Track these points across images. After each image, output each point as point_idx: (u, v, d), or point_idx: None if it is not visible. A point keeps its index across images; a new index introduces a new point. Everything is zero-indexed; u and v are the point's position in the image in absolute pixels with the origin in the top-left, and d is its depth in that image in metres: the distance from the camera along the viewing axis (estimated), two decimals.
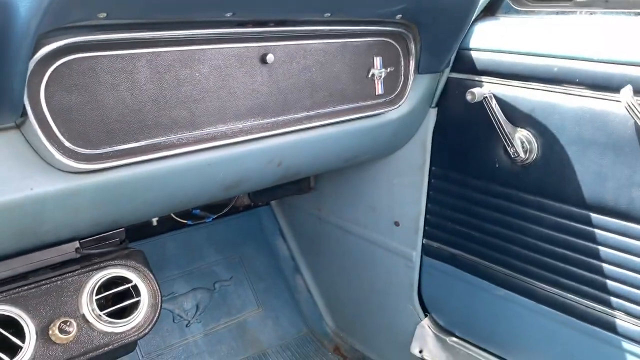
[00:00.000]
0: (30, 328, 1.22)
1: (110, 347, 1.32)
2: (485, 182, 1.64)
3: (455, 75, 1.67)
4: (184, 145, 1.20)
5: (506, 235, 1.62)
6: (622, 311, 1.42)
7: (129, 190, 1.21)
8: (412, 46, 1.56)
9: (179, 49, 1.16)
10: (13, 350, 1.20)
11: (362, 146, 1.70)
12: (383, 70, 1.53)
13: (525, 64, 1.49)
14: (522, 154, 1.50)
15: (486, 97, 1.52)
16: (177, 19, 1.12)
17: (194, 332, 2.24)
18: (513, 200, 1.58)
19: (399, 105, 1.61)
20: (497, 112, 1.51)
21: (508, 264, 1.64)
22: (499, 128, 1.51)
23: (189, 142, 1.21)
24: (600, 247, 1.43)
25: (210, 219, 2.21)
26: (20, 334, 1.21)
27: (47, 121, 1.01)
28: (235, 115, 1.28)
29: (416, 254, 1.92)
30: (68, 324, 1.24)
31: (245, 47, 1.26)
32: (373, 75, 1.52)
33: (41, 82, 0.99)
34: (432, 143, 1.78)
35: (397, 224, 1.96)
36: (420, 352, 1.98)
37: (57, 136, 1.03)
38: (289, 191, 2.24)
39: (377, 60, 1.52)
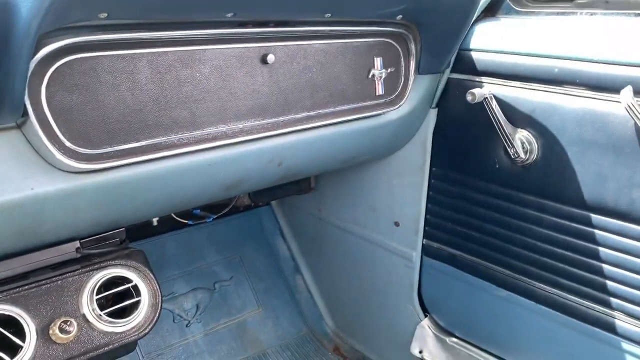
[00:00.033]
0: (30, 328, 1.22)
1: (111, 346, 1.32)
2: (485, 183, 1.64)
3: (455, 75, 1.67)
4: (185, 145, 1.20)
5: (506, 236, 1.62)
6: (622, 312, 1.42)
7: (129, 190, 1.21)
8: (413, 47, 1.56)
9: (180, 49, 1.16)
10: (13, 349, 1.20)
11: (363, 146, 1.70)
12: (383, 70, 1.53)
13: (526, 65, 1.49)
14: (522, 155, 1.50)
15: (486, 97, 1.52)
16: (177, 19, 1.12)
17: (194, 332, 2.24)
18: (513, 201, 1.58)
19: (399, 106, 1.61)
20: (497, 113, 1.51)
21: (508, 264, 1.64)
22: (499, 129, 1.51)
23: (190, 142, 1.21)
24: (600, 248, 1.43)
25: (211, 219, 2.21)
26: (21, 334, 1.21)
27: (48, 121, 1.01)
28: (236, 115, 1.28)
29: (416, 254, 1.92)
30: (68, 323, 1.24)
31: (246, 47, 1.26)
32: (373, 75, 1.52)
33: (42, 82, 0.99)
34: (433, 143, 1.78)
35: (397, 224, 1.96)
36: (420, 352, 1.98)
37: (57, 136, 1.03)
38: (289, 191, 2.24)
39: (378, 61, 1.52)
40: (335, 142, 1.57)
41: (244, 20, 1.22)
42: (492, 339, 1.79)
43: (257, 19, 1.24)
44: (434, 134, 1.76)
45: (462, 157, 1.70)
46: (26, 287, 1.24)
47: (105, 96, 1.07)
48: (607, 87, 1.33)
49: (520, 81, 1.51)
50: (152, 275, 1.40)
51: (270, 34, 1.29)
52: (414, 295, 1.99)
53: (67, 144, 1.04)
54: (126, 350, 1.43)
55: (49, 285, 1.27)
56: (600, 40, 1.39)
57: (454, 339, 1.90)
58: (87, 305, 1.30)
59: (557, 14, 1.57)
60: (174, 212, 1.89)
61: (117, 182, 1.16)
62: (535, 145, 1.50)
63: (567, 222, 1.48)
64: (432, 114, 1.75)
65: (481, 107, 1.53)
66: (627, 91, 1.26)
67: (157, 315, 1.39)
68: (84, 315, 1.30)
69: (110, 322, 1.33)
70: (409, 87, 1.60)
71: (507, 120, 1.52)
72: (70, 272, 1.31)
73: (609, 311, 1.44)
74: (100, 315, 1.31)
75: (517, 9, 1.65)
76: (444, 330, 1.94)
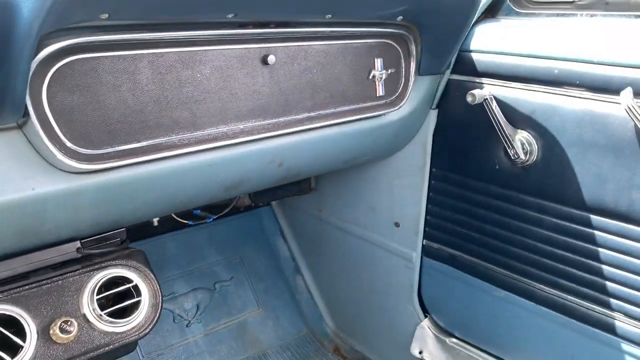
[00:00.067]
0: (31, 327, 1.22)
1: (111, 346, 1.32)
2: (485, 184, 1.65)
3: (455, 77, 1.67)
4: (185, 145, 1.20)
5: (506, 237, 1.63)
6: (621, 313, 1.42)
7: (130, 190, 1.21)
8: (413, 48, 1.57)
9: (181, 49, 1.16)
10: (14, 349, 1.20)
11: (363, 147, 1.70)
12: (384, 71, 1.53)
13: (526, 66, 1.49)
14: (522, 156, 1.50)
15: (487, 98, 1.52)
16: (178, 20, 1.13)
17: (194, 332, 2.24)
18: (513, 202, 1.58)
19: (400, 107, 1.61)
20: (497, 114, 1.51)
21: (508, 265, 1.64)
22: (499, 130, 1.51)
23: (190, 143, 1.21)
24: (600, 249, 1.43)
25: (211, 219, 2.21)
26: (21, 334, 1.21)
27: (49, 121, 1.01)
28: (237, 116, 1.28)
29: (416, 255, 1.92)
30: (69, 323, 1.25)
31: (247, 48, 1.26)
32: (374, 76, 1.52)
33: (43, 82, 1.00)
34: (433, 144, 1.78)
35: (397, 224, 1.96)
36: (420, 352, 1.98)
37: (58, 136, 1.03)
38: (289, 192, 2.24)
39: (378, 62, 1.52)
40: (335, 143, 1.58)
41: (245, 21, 1.22)
42: (492, 339, 1.79)
43: (257, 19, 1.25)
44: (434, 135, 1.77)
45: (462, 158, 1.70)
46: (27, 287, 1.25)
47: (106, 97, 1.07)
48: (607, 88, 1.33)
49: (521, 82, 1.51)
50: (152, 276, 1.40)
51: (271, 35, 1.29)
52: (414, 296, 1.99)
53: (68, 144, 1.04)
54: (126, 350, 1.43)
55: (49, 285, 1.27)
56: (601, 42, 1.39)
57: (454, 340, 1.90)
58: (88, 305, 1.30)
59: (557, 15, 1.58)
60: (174, 212, 1.89)
61: (118, 183, 1.17)
62: (535, 147, 1.50)
63: (566, 223, 1.48)
64: (433, 115, 1.75)
65: (481, 108, 1.53)
66: (627, 93, 1.27)
67: (157, 315, 1.39)
68: (84, 315, 1.30)
69: (111, 322, 1.33)
70: (410, 88, 1.60)
71: (507, 121, 1.52)
72: (71, 272, 1.31)
73: (609, 312, 1.44)
74: (100, 315, 1.31)
75: (517, 10, 1.65)
76: (443, 330, 1.94)
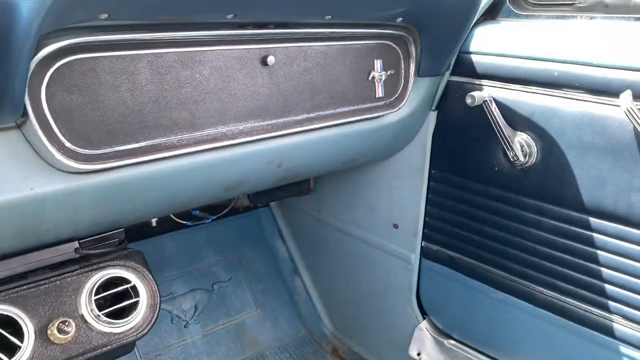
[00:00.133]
0: (28, 328, 1.22)
1: (109, 347, 1.32)
2: (484, 186, 1.65)
3: (455, 78, 1.67)
4: (184, 146, 1.20)
5: (505, 239, 1.63)
6: (620, 315, 1.42)
7: (129, 190, 1.21)
8: (413, 49, 1.57)
9: (180, 50, 1.16)
10: (11, 350, 1.20)
11: (362, 148, 1.70)
12: (383, 73, 1.53)
13: (526, 68, 1.49)
14: (521, 158, 1.50)
15: (486, 100, 1.52)
16: (178, 20, 1.12)
17: (193, 332, 2.24)
18: (512, 204, 1.58)
19: (399, 108, 1.61)
20: (496, 116, 1.51)
21: (507, 267, 1.64)
22: (498, 132, 1.51)
23: (190, 143, 1.21)
24: (598, 251, 1.43)
25: (210, 220, 2.21)
26: (19, 334, 1.21)
27: (48, 121, 1.01)
28: (236, 116, 1.28)
29: (415, 257, 1.92)
30: (67, 324, 1.24)
31: (246, 49, 1.26)
32: (373, 77, 1.52)
33: (42, 82, 0.99)
34: (432, 146, 1.78)
35: (396, 226, 1.96)
36: (419, 354, 1.98)
37: (57, 136, 1.03)
38: (288, 193, 2.24)
39: (378, 63, 1.52)
40: (335, 144, 1.58)
41: (245, 21, 1.22)
42: (491, 341, 1.79)
43: (257, 20, 1.24)
44: (433, 136, 1.77)
45: (461, 159, 1.70)
46: (25, 287, 1.24)
47: (105, 97, 1.07)
48: (607, 91, 1.34)
49: (520, 84, 1.51)
50: (150, 276, 1.40)
51: (271, 36, 1.29)
52: (412, 298, 1.99)
53: (67, 144, 1.04)
54: (124, 350, 1.43)
55: (47, 286, 1.27)
56: (600, 44, 1.39)
57: (452, 342, 1.90)
58: (86, 305, 1.30)
59: (557, 17, 1.58)
60: (173, 212, 1.89)
61: (117, 183, 1.17)
62: (534, 149, 1.50)
63: (565, 225, 1.48)
64: (432, 117, 1.75)
65: (481, 110, 1.53)
66: (627, 95, 1.27)
67: (155, 315, 1.39)
68: (82, 316, 1.30)
69: (109, 323, 1.33)
70: (409, 90, 1.60)
71: (507, 123, 1.52)
72: (69, 272, 1.30)
73: (607, 314, 1.44)
74: (98, 315, 1.31)
75: (517, 12, 1.65)
76: (442, 332, 1.94)
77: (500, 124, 1.51)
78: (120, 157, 1.12)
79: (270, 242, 2.59)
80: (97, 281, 1.33)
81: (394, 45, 1.55)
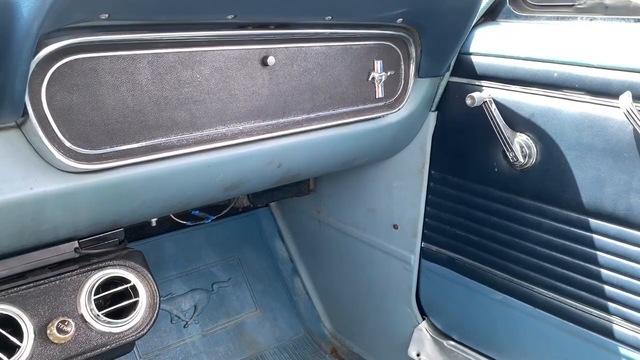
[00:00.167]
0: (28, 327, 1.22)
1: (108, 347, 1.32)
2: (484, 187, 1.65)
3: (455, 79, 1.67)
4: (184, 146, 1.20)
5: (505, 240, 1.63)
6: (619, 316, 1.42)
7: (128, 190, 1.21)
8: (413, 50, 1.57)
9: (180, 50, 1.16)
10: (11, 349, 1.20)
11: (362, 149, 1.70)
12: (383, 73, 1.53)
13: (525, 69, 1.49)
14: (521, 159, 1.50)
15: (486, 101, 1.52)
16: (178, 20, 1.13)
17: (192, 333, 2.24)
18: (512, 205, 1.58)
19: (399, 109, 1.61)
20: (496, 117, 1.51)
21: (506, 268, 1.64)
22: (498, 133, 1.51)
23: (189, 144, 1.21)
24: (598, 253, 1.43)
25: (210, 220, 2.21)
26: (18, 333, 1.21)
27: (48, 121, 1.01)
28: (236, 116, 1.28)
29: (414, 257, 1.92)
30: (66, 323, 1.24)
31: (246, 49, 1.26)
32: (373, 78, 1.52)
33: (42, 82, 1.00)
34: (432, 147, 1.78)
35: (395, 227, 1.96)
36: (418, 355, 1.98)
37: (57, 136, 1.03)
38: (288, 193, 2.24)
39: (378, 64, 1.52)
40: (335, 145, 1.58)
41: (245, 22, 1.22)
42: (490, 342, 1.79)
43: (257, 21, 1.25)
44: (433, 137, 1.77)
45: (461, 160, 1.70)
46: (24, 286, 1.24)
47: (105, 97, 1.07)
48: (606, 92, 1.34)
49: (520, 85, 1.51)
50: (150, 276, 1.40)
51: (271, 36, 1.29)
52: (412, 298, 1.99)
53: (67, 144, 1.04)
54: (124, 350, 1.43)
55: (47, 285, 1.27)
56: (600, 46, 1.39)
57: (452, 342, 1.90)
58: (85, 305, 1.30)
59: (557, 18, 1.58)
60: (173, 212, 1.89)
61: (117, 183, 1.17)
62: (534, 150, 1.50)
63: (565, 226, 1.48)
64: (432, 117, 1.75)
65: (480, 110, 1.54)
66: (626, 96, 1.27)
67: (154, 315, 1.39)
68: (81, 316, 1.30)
69: (108, 323, 1.33)
70: (409, 90, 1.60)
71: (507, 124, 1.52)
72: (69, 272, 1.31)
73: (607, 315, 1.44)
74: (98, 315, 1.31)
75: (517, 13, 1.65)
76: (441, 333, 1.94)
77: (500, 124, 1.51)
78: (120, 157, 1.12)
79: (269, 243, 2.59)
80: (97, 281, 1.33)
81: (394, 46, 1.55)
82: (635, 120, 1.25)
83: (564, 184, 1.45)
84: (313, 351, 2.41)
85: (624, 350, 1.42)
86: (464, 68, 1.63)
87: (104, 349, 1.31)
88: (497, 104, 1.53)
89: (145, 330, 1.38)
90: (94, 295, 1.32)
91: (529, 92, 1.49)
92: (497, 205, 1.62)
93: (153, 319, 1.39)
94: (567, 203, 1.46)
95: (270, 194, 2.19)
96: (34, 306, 1.24)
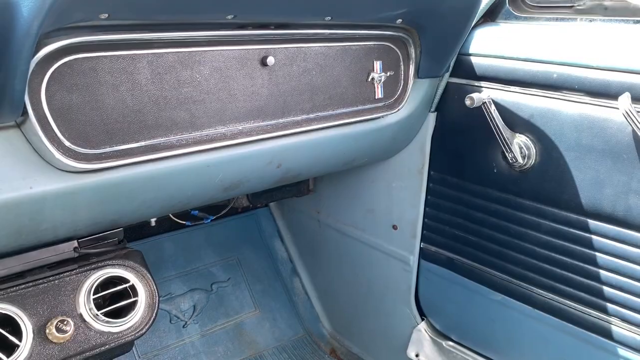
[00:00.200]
0: (27, 326, 1.22)
1: (107, 346, 1.32)
2: (483, 187, 1.65)
3: (454, 80, 1.67)
4: (184, 146, 1.21)
5: (504, 241, 1.63)
6: (618, 317, 1.42)
7: (128, 190, 1.21)
8: (412, 50, 1.57)
9: (180, 50, 1.16)
10: (10, 348, 1.20)
11: (361, 149, 1.70)
12: (383, 74, 1.53)
13: (525, 70, 1.49)
14: (520, 160, 1.50)
15: (485, 102, 1.52)
16: (178, 20, 1.13)
17: (191, 333, 2.24)
18: (511, 206, 1.59)
19: (398, 110, 1.61)
20: (495, 118, 1.52)
21: (505, 269, 1.64)
22: (497, 133, 1.51)
23: (189, 143, 1.21)
24: (597, 254, 1.43)
25: (209, 220, 2.21)
26: (17, 333, 1.21)
27: (48, 120, 1.01)
28: (235, 117, 1.28)
29: (414, 258, 1.93)
30: (65, 323, 1.24)
31: (246, 49, 1.26)
32: (373, 79, 1.52)
33: (42, 81, 1.00)
34: (431, 147, 1.78)
35: (395, 227, 1.96)
36: (417, 356, 1.98)
37: (57, 135, 1.03)
38: (288, 193, 2.24)
39: (377, 64, 1.53)
40: (334, 145, 1.58)
41: (244, 22, 1.22)
42: (489, 343, 1.79)
43: (257, 21, 1.25)
44: (432, 137, 1.77)
45: (460, 161, 1.70)
46: (23, 286, 1.25)
47: (105, 96, 1.07)
48: (606, 93, 1.34)
49: (519, 86, 1.51)
50: (149, 276, 1.40)
51: (270, 36, 1.29)
52: (411, 299, 1.99)
53: (66, 143, 1.04)
54: (122, 350, 1.43)
55: (46, 285, 1.27)
56: (599, 47, 1.39)
57: (451, 343, 1.90)
58: (84, 304, 1.30)
59: (557, 19, 1.58)
60: (172, 212, 1.89)
61: (116, 182, 1.17)
62: (533, 150, 1.50)
63: (564, 227, 1.48)
64: (431, 118, 1.75)
65: (480, 111, 1.54)
66: (625, 97, 1.27)
67: (154, 315, 1.39)
68: (80, 315, 1.30)
69: (107, 322, 1.33)
70: (408, 91, 1.60)
71: (506, 125, 1.52)
72: (68, 271, 1.31)
73: (605, 316, 1.44)
74: (97, 315, 1.31)
75: (516, 14, 1.65)
76: (440, 334, 1.94)
77: (499, 125, 1.51)
78: (120, 156, 1.12)
79: (269, 243, 2.59)
80: (96, 280, 1.33)
81: (394, 47, 1.55)
82: (634, 122, 1.25)
83: (563, 185, 1.45)
84: (312, 351, 2.41)
85: (622, 352, 1.43)
86: (464, 69, 1.63)
87: (103, 348, 1.31)
88: (497, 104, 1.53)
89: (144, 330, 1.38)
90: (93, 294, 1.32)
91: (528, 93, 1.50)
92: (496, 206, 1.62)
93: (152, 319, 1.39)
94: (566, 204, 1.46)
95: (269, 194, 2.19)
96: (33, 305, 1.24)
